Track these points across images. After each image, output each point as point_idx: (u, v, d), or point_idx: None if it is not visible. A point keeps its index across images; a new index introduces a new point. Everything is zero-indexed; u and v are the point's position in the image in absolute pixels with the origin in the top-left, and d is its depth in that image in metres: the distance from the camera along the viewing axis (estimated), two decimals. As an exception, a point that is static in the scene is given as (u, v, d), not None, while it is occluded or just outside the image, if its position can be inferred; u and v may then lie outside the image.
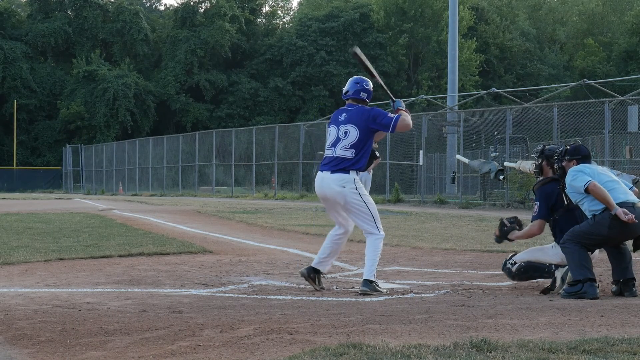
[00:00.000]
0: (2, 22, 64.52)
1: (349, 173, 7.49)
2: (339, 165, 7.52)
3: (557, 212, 7.73)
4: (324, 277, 7.86)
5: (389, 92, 7.94)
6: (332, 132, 7.64)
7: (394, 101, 7.74)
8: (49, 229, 14.77)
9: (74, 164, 56.44)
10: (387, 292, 7.48)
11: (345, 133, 7.53)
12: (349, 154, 7.50)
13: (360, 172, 7.63)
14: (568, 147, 7.71)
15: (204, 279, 8.41)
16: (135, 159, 48.83)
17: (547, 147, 8.08)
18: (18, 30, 65.19)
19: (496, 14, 70.64)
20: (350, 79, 7.90)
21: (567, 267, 7.43)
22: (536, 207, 7.78)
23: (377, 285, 7.49)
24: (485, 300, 6.92)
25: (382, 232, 7.58)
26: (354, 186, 7.50)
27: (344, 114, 7.64)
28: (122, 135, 60.97)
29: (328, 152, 7.65)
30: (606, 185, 7.25)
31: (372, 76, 7.77)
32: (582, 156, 7.57)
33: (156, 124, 64.60)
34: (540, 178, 7.96)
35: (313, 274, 7.68)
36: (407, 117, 7.55)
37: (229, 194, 38.59)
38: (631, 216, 7.02)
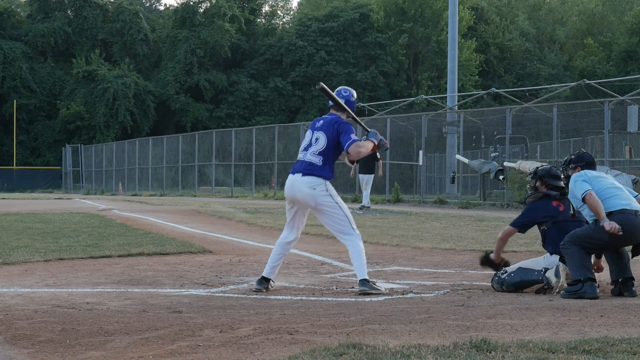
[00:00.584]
0: (2, 22, 64.52)
1: (319, 177, 7.57)
2: (308, 169, 7.60)
3: (546, 224, 7.84)
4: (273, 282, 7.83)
5: (362, 124, 7.93)
6: (307, 136, 7.78)
7: (367, 132, 7.81)
8: (49, 229, 14.77)
9: (74, 164, 56.43)
10: (385, 290, 7.50)
11: (317, 139, 7.65)
12: (317, 160, 7.60)
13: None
14: (572, 156, 7.82)
15: (204, 279, 8.41)
16: (135, 159, 48.83)
17: (539, 168, 8.26)
18: (18, 30, 65.19)
19: (496, 14, 70.67)
20: (337, 88, 7.96)
21: (556, 265, 7.48)
22: (519, 215, 7.96)
23: (374, 283, 7.52)
24: (485, 300, 6.93)
25: (358, 232, 7.61)
26: (324, 188, 7.56)
27: (321, 121, 7.77)
28: (121, 135, 60.97)
29: (300, 156, 7.74)
30: (607, 192, 7.31)
31: (342, 109, 7.73)
32: (585, 162, 7.66)
33: (156, 124, 64.61)
34: (533, 192, 8.09)
35: (265, 283, 7.68)
36: (363, 146, 7.58)
37: (228, 194, 38.59)
38: (614, 226, 7.04)
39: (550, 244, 7.72)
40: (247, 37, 67.39)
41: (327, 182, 7.60)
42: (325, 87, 7.70)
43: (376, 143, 7.69)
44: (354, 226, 7.59)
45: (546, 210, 7.82)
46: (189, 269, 9.22)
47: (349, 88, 7.96)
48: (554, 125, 24.25)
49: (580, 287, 7.06)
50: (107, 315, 6.12)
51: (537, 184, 8.07)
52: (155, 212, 21.59)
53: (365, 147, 7.62)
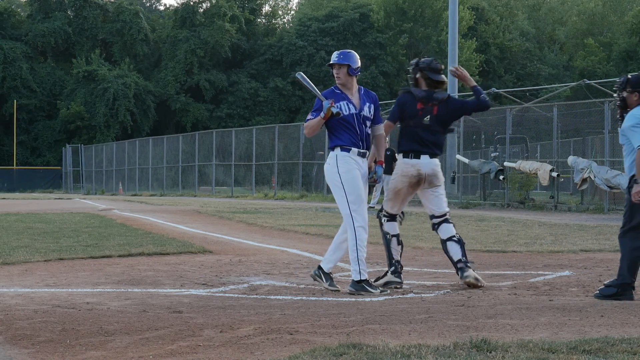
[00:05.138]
0: (2, 22, 64.53)
1: (333, 150, 7.44)
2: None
3: (403, 122, 7.75)
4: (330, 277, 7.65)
5: (318, 94, 7.41)
6: None
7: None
8: (49, 229, 14.77)
9: (74, 164, 56.47)
10: (380, 291, 7.32)
11: None
12: (327, 136, 7.63)
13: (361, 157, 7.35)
14: (630, 76, 7.00)
15: (204, 279, 8.40)
16: (135, 159, 48.85)
17: (421, 60, 7.80)
18: (18, 30, 65.22)
19: (496, 14, 70.68)
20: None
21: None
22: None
23: (368, 285, 7.33)
24: (485, 300, 6.92)
25: (359, 222, 7.27)
26: (334, 163, 7.36)
27: None
28: (122, 135, 61.00)
29: None
30: None
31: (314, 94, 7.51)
32: None
33: (156, 124, 64.62)
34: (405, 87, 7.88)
35: (325, 274, 7.55)
36: (306, 127, 7.45)
37: (229, 194, 38.60)
38: (636, 197, 6.57)
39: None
40: (247, 37, 67.40)
41: (339, 157, 7.31)
42: (300, 78, 7.58)
43: (322, 117, 7.28)
44: (356, 214, 7.26)
45: (405, 109, 7.63)
46: (189, 269, 9.22)
47: (337, 52, 7.57)
48: (554, 125, 24.24)
49: (616, 291, 6.81)
50: (107, 315, 6.12)
51: (418, 75, 7.69)
52: (155, 212, 21.59)
53: (306, 126, 7.46)
